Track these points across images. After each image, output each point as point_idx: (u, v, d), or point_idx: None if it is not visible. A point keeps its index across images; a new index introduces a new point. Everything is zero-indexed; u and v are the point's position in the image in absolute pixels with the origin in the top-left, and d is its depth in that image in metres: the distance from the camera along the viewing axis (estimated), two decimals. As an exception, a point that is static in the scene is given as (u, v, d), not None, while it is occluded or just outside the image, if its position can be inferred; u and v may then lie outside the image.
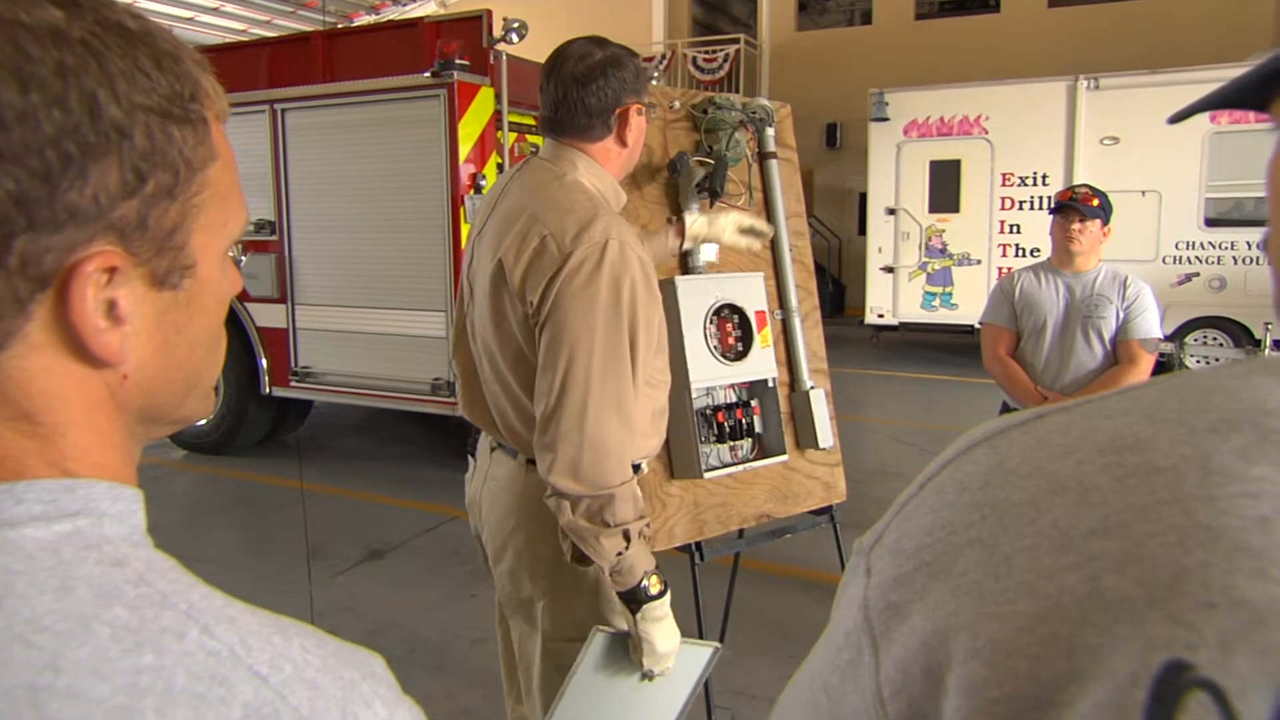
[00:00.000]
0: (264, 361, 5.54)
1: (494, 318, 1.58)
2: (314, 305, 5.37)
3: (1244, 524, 0.30)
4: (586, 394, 1.45)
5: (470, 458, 1.83)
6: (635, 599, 1.51)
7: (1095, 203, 2.92)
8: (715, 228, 2.07)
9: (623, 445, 1.48)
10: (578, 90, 1.55)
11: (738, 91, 13.39)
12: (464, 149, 4.77)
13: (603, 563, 1.48)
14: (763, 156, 2.53)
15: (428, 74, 4.76)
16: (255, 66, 5.49)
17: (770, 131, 2.52)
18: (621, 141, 1.60)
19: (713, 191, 2.22)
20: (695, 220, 2.06)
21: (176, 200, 0.48)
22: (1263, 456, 0.32)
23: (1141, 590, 0.30)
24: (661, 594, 1.52)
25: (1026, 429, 0.37)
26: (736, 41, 13.46)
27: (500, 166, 4.83)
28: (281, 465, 5.64)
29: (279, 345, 5.48)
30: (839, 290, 13.35)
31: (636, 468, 1.68)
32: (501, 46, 4.74)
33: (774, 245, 2.53)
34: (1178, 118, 0.64)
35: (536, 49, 7.26)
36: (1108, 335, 2.92)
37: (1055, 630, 0.31)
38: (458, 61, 4.68)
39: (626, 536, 1.48)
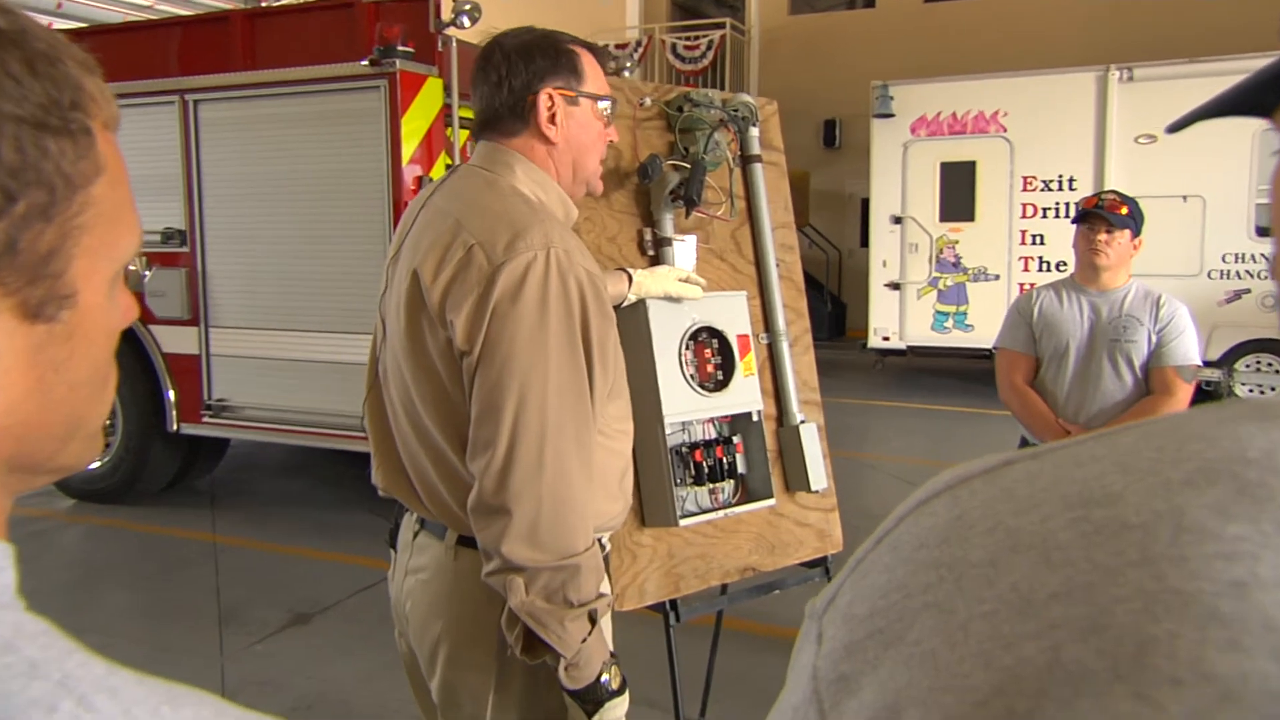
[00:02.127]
0: (171, 394, 5.50)
1: (410, 350, 1.52)
2: (231, 328, 5.35)
3: (1217, 589, 0.31)
4: (543, 438, 1.39)
5: (391, 549, 1.75)
6: (594, 698, 1.44)
7: (1124, 211, 2.98)
8: (657, 278, 2.16)
9: (586, 500, 1.43)
10: (490, 80, 1.58)
11: (723, 84, 13.56)
12: (407, 148, 4.80)
13: (565, 652, 1.40)
14: (746, 160, 2.58)
15: (366, 62, 4.80)
16: (163, 50, 5.49)
17: (754, 131, 2.58)
18: (542, 135, 1.57)
19: (688, 199, 2.27)
20: (637, 274, 2.15)
21: (53, 222, 0.48)
22: (1240, 513, 0.32)
23: (1105, 662, 0.31)
24: (622, 688, 1.47)
25: (990, 478, 0.38)
26: (721, 27, 13.65)
27: (450, 168, 4.86)
28: (191, 515, 5.58)
29: (189, 375, 5.45)
30: (838, 310, 13.48)
31: (600, 545, 1.63)
32: (451, 31, 4.79)
33: (759, 260, 2.57)
34: (1175, 127, 0.67)
35: (490, 34, 7.33)
36: (1138, 361, 2.98)
37: (1012, 705, 0.31)
38: (400, 48, 4.73)
39: (591, 618, 1.42)
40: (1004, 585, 0.34)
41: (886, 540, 0.40)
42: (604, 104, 1.63)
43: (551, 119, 1.57)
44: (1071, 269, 3.19)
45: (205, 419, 5.44)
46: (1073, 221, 3.12)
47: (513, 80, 1.57)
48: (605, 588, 1.50)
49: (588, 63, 1.61)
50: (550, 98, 1.57)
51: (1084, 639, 0.31)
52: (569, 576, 1.40)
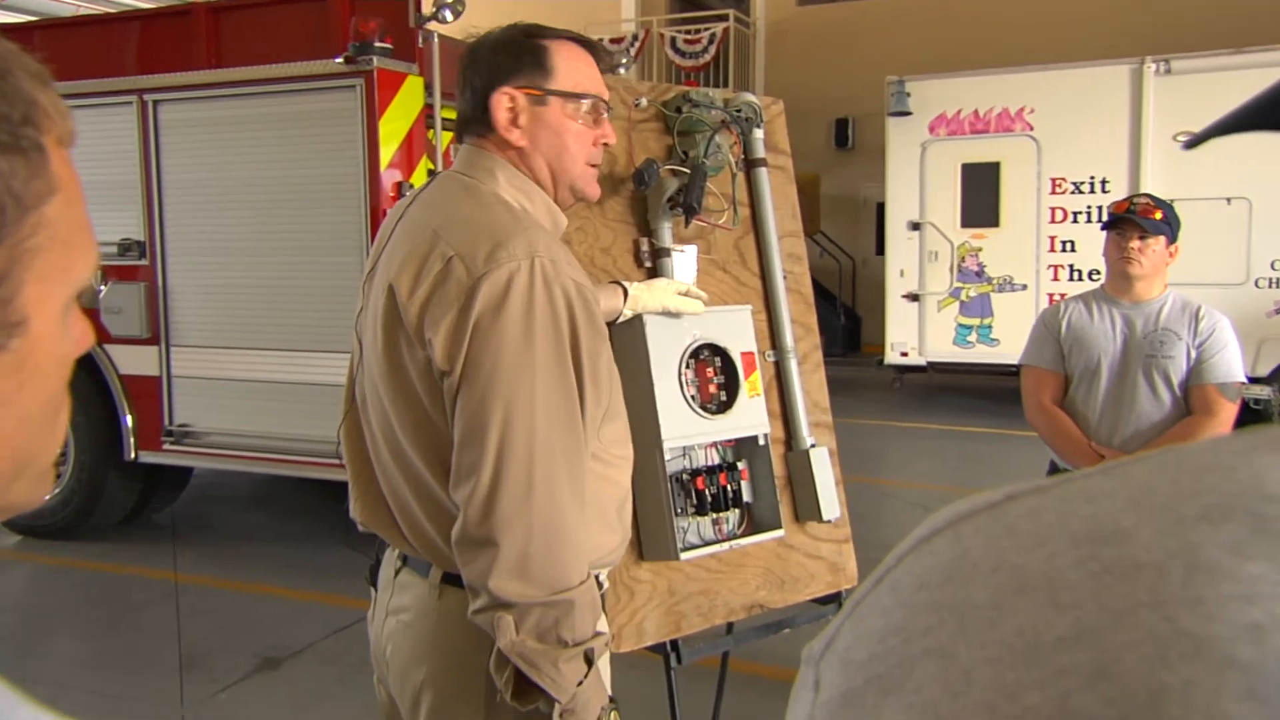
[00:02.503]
0: (129, 419, 5.50)
1: (388, 372, 1.53)
2: (194, 347, 5.36)
3: (1234, 633, 0.31)
4: (531, 464, 1.40)
5: (371, 588, 1.76)
6: None
7: (1158, 215, 3.00)
8: (655, 292, 2.20)
9: (580, 530, 1.44)
10: (461, 80, 1.63)
11: (726, 80, 13.63)
12: (386, 151, 4.83)
13: (560, 696, 1.39)
14: (749, 164, 2.60)
15: (340, 59, 4.83)
16: (120, 46, 5.52)
17: (758, 133, 2.60)
18: (504, 137, 1.59)
19: (688, 207, 2.29)
20: (633, 287, 2.18)
21: (2, 245, 0.48)
22: (1257, 551, 0.33)
23: (1115, 711, 0.31)
24: None
25: (995, 513, 0.39)
26: (724, 19, 13.74)
27: (432, 173, 4.90)
28: (150, 551, 5.57)
29: (149, 398, 5.46)
30: (853, 323, 13.51)
31: (597, 582, 1.63)
32: (433, 26, 4.82)
33: (765, 272, 2.59)
34: (1194, 142, 0.69)
35: (476, 29, 7.37)
36: (1176, 379, 2.99)
37: None
38: (378, 44, 4.76)
39: (588, 659, 1.42)
40: (1008, 629, 0.34)
41: (886, 580, 0.41)
42: (583, 102, 1.61)
43: (514, 121, 1.59)
44: (1104, 279, 3.21)
45: (166, 446, 5.44)
46: (1102, 228, 3.14)
47: (475, 80, 1.61)
48: (603, 626, 1.50)
49: (563, 57, 1.60)
50: (511, 98, 1.58)
51: (1092, 686, 0.32)
52: (562, 613, 1.40)
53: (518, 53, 1.60)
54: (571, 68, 1.61)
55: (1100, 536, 0.35)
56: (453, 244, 1.46)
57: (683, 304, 2.25)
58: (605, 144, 1.67)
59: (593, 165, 1.66)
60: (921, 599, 0.38)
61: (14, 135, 0.49)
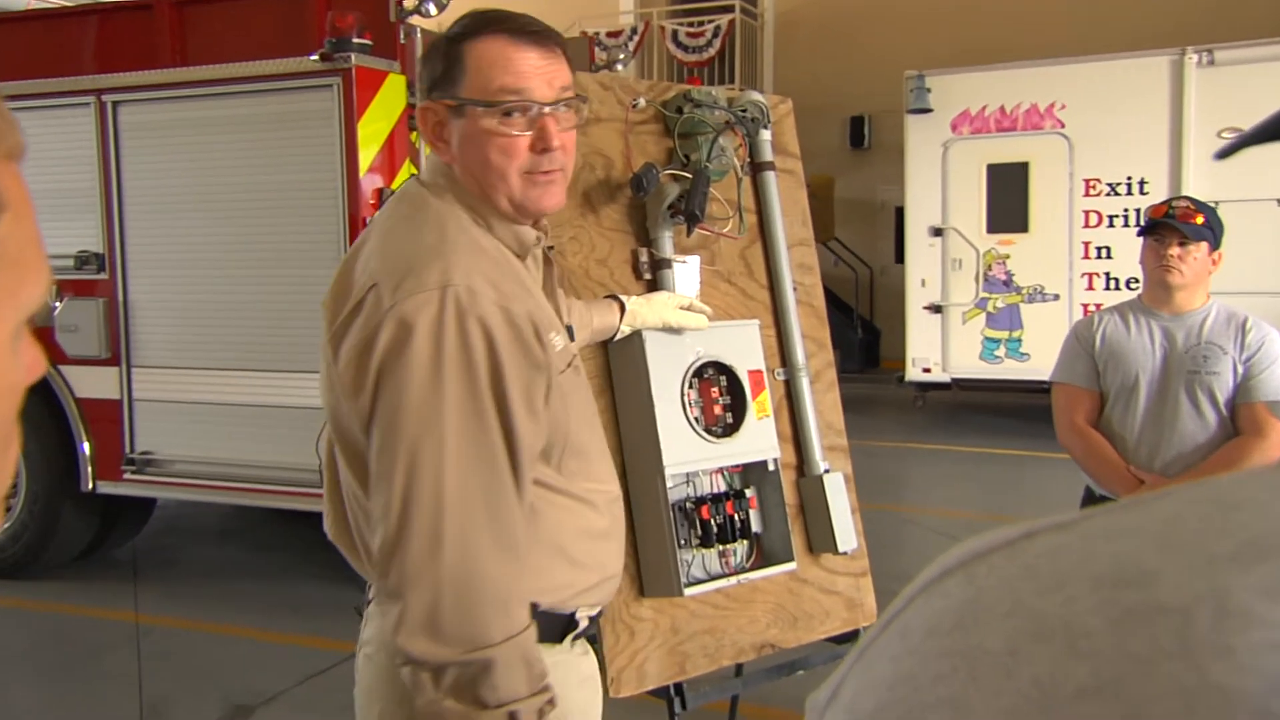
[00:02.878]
0: (86, 446, 5.51)
1: (326, 399, 1.58)
2: (158, 368, 5.37)
3: (1268, 685, 0.31)
4: (440, 514, 1.42)
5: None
6: None
7: (1200, 220, 3.00)
8: (654, 307, 2.22)
9: (503, 582, 1.45)
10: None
11: (732, 76, 13.70)
12: (365, 155, 4.85)
13: None
14: (756, 167, 2.62)
15: (315, 56, 4.86)
16: (76, 44, 5.55)
17: (766, 135, 2.62)
18: (441, 154, 1.62)
19: (690, 215, 2.31)
20: (631, 301, 2.20)
21: None
22: None
23: None
24: None
25: (1011, 553, 0.40)
26: (730, 10, 13.82)
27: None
28: (109, 590, 5.57)
29: (108, 423, 5.46)
30: (870, 337, 13.52)
31: (572, 621, 1.67)
32: (416, 20, 4.86)
33: (773, 283, 2.61)
34: (1225, 153, 0.71)
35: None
36: (1222, 397, 3.00)
37: None
38: (356, 40, 4.79)
39: None
40: (1024, 678, 0.34)
41: (895, 624, 0.41)
42: (496, 108, 1.57)
43: (439, 135, 1.62)
44: (1141, 288, 3.22)
45: (127, 476, 5.44)
46: (1139, 233, 3.15)
47: (421, 89, 1.65)
48: (548, 682, 1.50)
49: (478, 57, 1.58)
50: (433, 112, 1.62)
51: None
52: (479, 672, 1.41)
53: (436, 60, 1.62)
54: (488, 67, 1.57)
55: (1123, 578, 0.35)
56: (376, 270, 1.50)
57: (685, 319, 2.27)
58: (548, 148, 1.59)
59: (539, 173, 1.60)
60: (932, 645, 0.38)
61: None
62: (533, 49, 1.59)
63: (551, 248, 1.77)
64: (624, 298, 2.24)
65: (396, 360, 1.43)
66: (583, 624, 1.71)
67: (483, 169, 1.59)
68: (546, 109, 1.58)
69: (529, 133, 1.58)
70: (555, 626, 1.66)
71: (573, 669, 1.70)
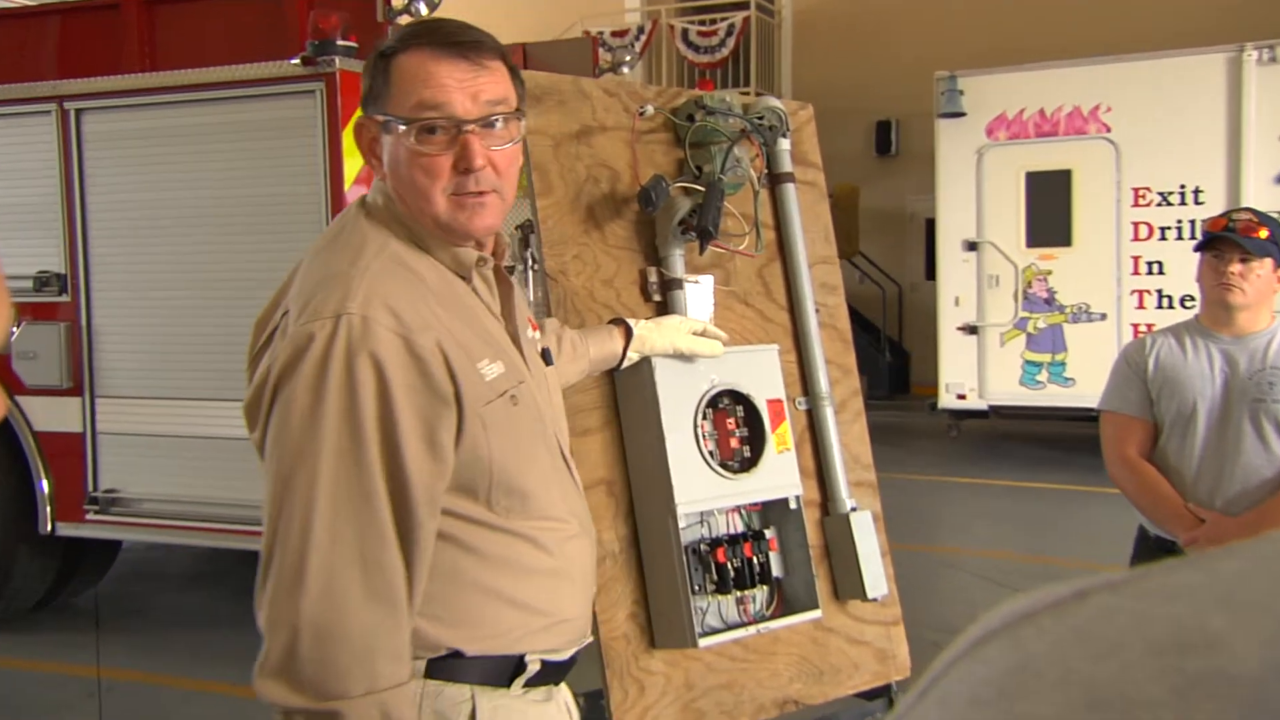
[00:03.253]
0: (45, 484, 5.51)
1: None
2: (125, 398, 5.37)
3: None
4: (305, 552, 1.47)
5: None
6: None
7: (1263, 234, 2.99)
8: (664, 331, 2.24)
9: (370, 631, 1.49)
10: None
11: (747, 78, 13.77)
12: (350, 166, 4.86)
13: None
14: (774, 179, 2.64)
15: (297, 60, 4.89)
16: (36, 46, 5.58)
17: (785, 144, 2.64)
18: (376, 171, 1.70)
19: (703, 231, 2.31)
20: (639, 325, 2.23)
21: None
22: None
23: None
24: None
25: (1060, 614, 0.39)
26: (745, 7, 13.91)
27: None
28: (68, 643, 5.55)
29: (70, 459, 5.46)
30: (899, 360, 13.52)
31: (522, 664, 1.68)
32: (405, 21, 4.89)
33: (794, 305, 2.61)
34: None
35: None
36: (1290, 426, 2.99)
37: None
38: (340, 42, 4.81)
39: None
40: None
41: (933, 692, 0.41)
42: (415, 125, 1.61)
43: (372, 150, 1.69)
44: (1198, 308, 3.21)
45: (90, 516, 5.43)
46: (1196, 249, 3.15)
47: None
48: None
49: (402, 72, 1.63)
50: (366, 127, 1.69)
51: None
52: None
53: (371, 74, 1.68)
54: (409, 81, 1.62)
55: (1185, 644, 0.35)
56: (292, 296, 1.59)
57: (698, 345, 2.27)
58: (470, 169, 1.61)
59: (465, 194, 1.62)
60: (975, 717, 0.38)
61: None
62: (458, 61, 1.62)
63: (512, 268, 1.80)
64: (631, 322, 2.25)
65: (284, 389, 1.51)
66: (533, 668, 1.71)
67: (408, 189, 1.63)
68: (468, 126, 1.61)
69: (450, 151, 1.61)
70: (500, 670, 1.68)
71: (521, 715, 1.71)
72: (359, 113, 1.72)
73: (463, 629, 1.63)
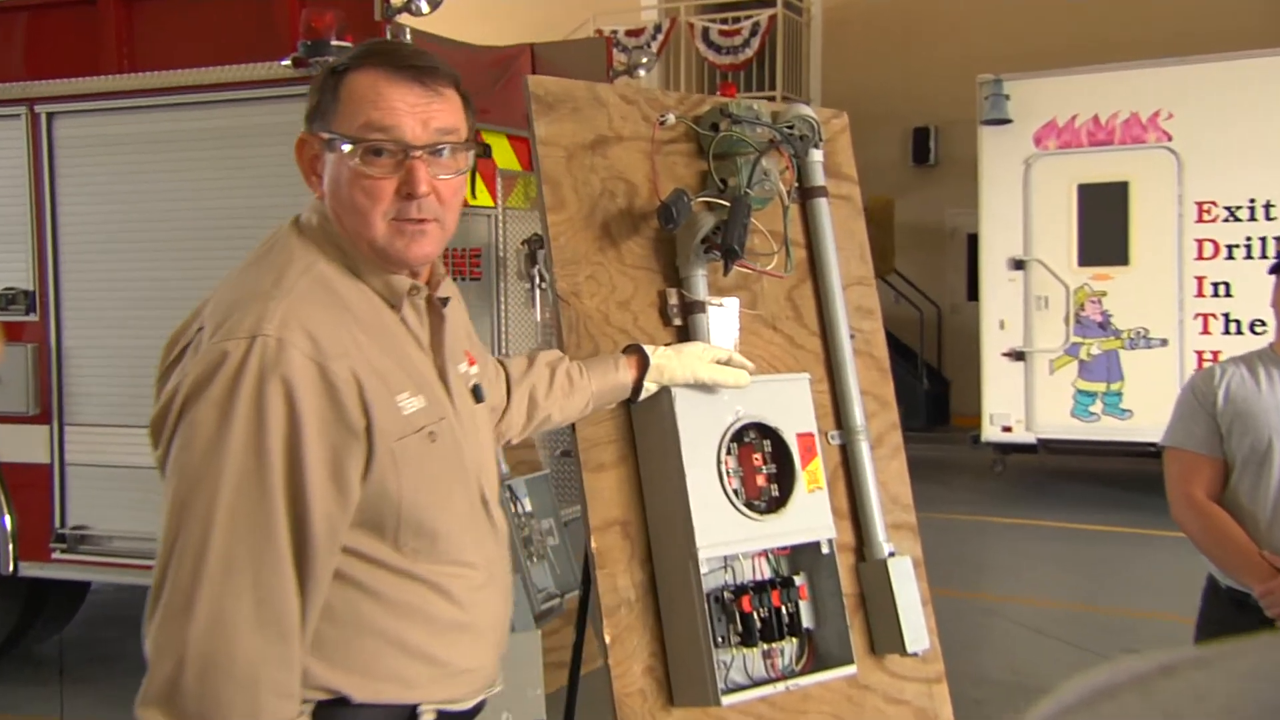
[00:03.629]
0: (7, 520, 5.51)
1: None
2: (97, 426, 5.38)
3: None
4: (197, 579, 1.53)
5: None
6: None
7: (1342, 255, 3.01)
8: (685, 360, 2.26)
9: (258, 663, 1.54)
10: None
11: (773, 82, 13.80)
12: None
13: None
14: (805, 193, 2.64)
15: (288, 61, 4.91)
16: (4, 44, 5.61)
17: (817, 155, 2.64)
18: (314, 189, 1.77)
19: (727, 249, 2.31)
20: (656, 353, 2.25)
21: None
22: None
23: None
24: None
25: (1146, 692, 0.40)
26: (770, 5, 13.93)
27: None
28: (29, 694, 5.55)
29: (35, 492, 5.47)
30: (938, 388, 13.49)
31: (414, 715, 1.73)
32: (405, 19, 4.91)
33: (826, 330, 2.61)
34: None
35: (460, 21, 7.46)
36: (1375, 465, 2.97)
37: None
38: (335, 42, 4.83)
39: None
40: None
41: None
42: (360, 146, 1.69)
43: (312, 169, 1.77)
44: (1271, 335, 3.20)
45: (56, 555, 5.43)
46: (1270, 271, 3.14)
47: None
48: None
49: (350, 89, 1.71)
50: (307, 144, 1.77)
51: None
52: None
53: (319, 90, 1.75)
54: (358, 101, 1.70)
55: None
56: (208, 313, 1.66)
57: (721, 375, 2.28)
58: (413, 194, 1.69)
59: (406, 220, 1.70)
60: None
61: None
62: (412, 85, 1.70)
63: (446, 300, 1.84)
64: (648, 349, 2.25)
65: (190, 409, 1.57)
66: (427, 719, 1.76)
67: (348, 210, 1.71)
68: (415, 151, 1.69)
69: (395, 176, 1.69)
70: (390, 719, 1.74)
71: None
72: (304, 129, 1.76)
73: (354, 674, 1.68)
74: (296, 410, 1.56)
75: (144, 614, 1.58)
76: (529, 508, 4.97)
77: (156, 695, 1.52)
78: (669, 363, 2.25)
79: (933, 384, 13.36)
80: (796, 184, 2.61)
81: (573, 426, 2.33)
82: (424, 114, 1.70)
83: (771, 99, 12.71)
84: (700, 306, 2.43)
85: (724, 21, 14.07)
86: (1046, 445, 9.74)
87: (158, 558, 1.57)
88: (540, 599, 4.80)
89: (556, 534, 5.08)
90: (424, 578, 1.72)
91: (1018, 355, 9.50)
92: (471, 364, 1.93)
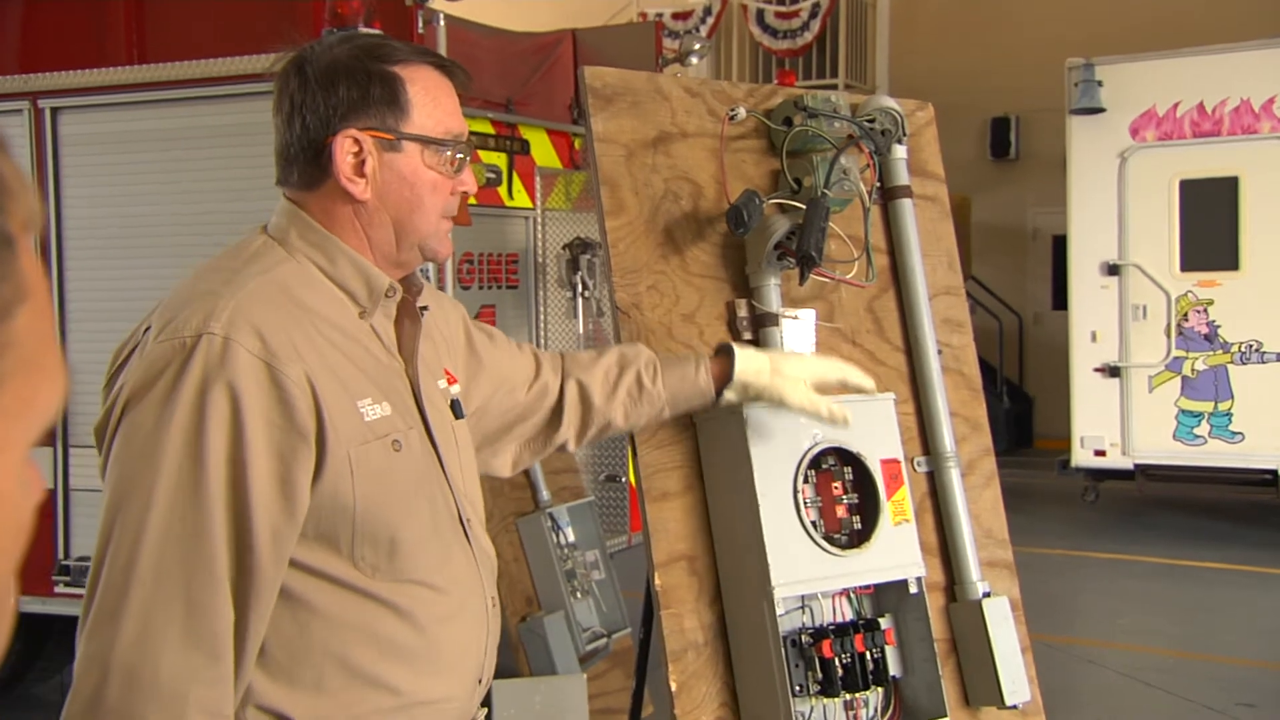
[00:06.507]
0: (7, 549, 5.57)
1: None
2: (102, 449, 5.44)
3: None
4: (125, 589, 1.57)
5: None
6: None
7: None
8: (782, 378, 2.21)
9: (183, 681, 1.57)
10: (282, 111, 1.83)
11: (835, 69, 13.79)
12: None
13: None
14: (888, 194, 2.64)
15: (308, 50, 4.97)
16: (6, 36, 5.71)
17: (900, 152, 2.64)
18: (343, 188, 1.78)
19: (803, 256, 2.32)
20: (745, 359, 2.21)
21: None
22: None
23: None
24: None
25: None
26: (832, -16, 13.90)
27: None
28: (31, 736, 5.60)
29: (37, 520, 5.52)
30: (1020, 407, 13.41)
31: None
32: (437, 4, 4.95)
33: (912, 346, 2.61)
34: None
35: (491, 4, 7.51)
36: None
37: None
38: (363, 30, 4.89)
39: None
40: None
41: None
42: (445, 149, 1.82)
43: (359, 170, 1.78)
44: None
45: (59, 589, 5.49)
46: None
47: (307, 115, 1.79)
48: None
49: (420, 90, 1.80)
50: (356, 142, 1.78)
51: None
52: None
53: (365, 84, 1.78)
54: (431, 103, 1.82)
55: None
56: (159, 310, 1.71)
57: (813, 406, 2.22)
58: (469, 192, 1.89)
59: (448, 218, 1.87)
60: None
61: None
62: (453, 85, 1.87)
63: (424, 308, 1.91)
64: (739, 353, 2.23)
65: (131, 411, 1.62)
66: None
67: (410, 210, 1.81)
68: (468, 155, 1.88)
69: (455, 177, 1.85)
70: None
71: None
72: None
73: (299, 693, 1.71)
74: (241, 414, 1.60)
75: (78, 625, 1.63)
76: (571, 538, 4.97)
77: (79, 711, 1.56)
78: (758, 380, 2.21)
79: (1013, 402, 13.28)
80: (878, 184, 2.61)
81: (633, 449, 2.34)
82: (462, 118, 1.87)
83: (833, 88, 12.71)
84: (773, 319, 2.43)
85: (781, 2, 14.04)
86: (1145, 471, 9.64)
87: (91, 566, 1.62)
88: (585, 639, 4.81)
89: (602, 567, 5.08)
90: (381, 597, 1.74)
91: (1112, 371, 9.43)
92: (452, 383, 1.98)
